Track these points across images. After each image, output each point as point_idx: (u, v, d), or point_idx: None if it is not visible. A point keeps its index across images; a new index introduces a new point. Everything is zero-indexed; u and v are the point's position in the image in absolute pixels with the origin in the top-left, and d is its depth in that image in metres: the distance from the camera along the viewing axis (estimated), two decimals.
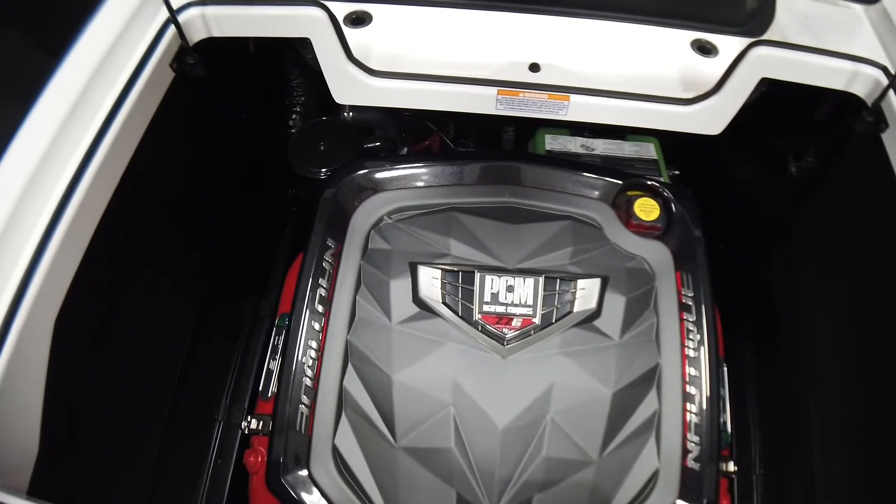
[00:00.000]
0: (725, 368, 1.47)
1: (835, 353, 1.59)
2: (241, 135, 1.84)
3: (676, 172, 1.85)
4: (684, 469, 1.28)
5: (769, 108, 1.64)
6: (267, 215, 2.13)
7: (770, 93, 1.51)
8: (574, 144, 1.74)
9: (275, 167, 1.88)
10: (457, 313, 1.36)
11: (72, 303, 1.11)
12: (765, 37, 1.49)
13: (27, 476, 1.05)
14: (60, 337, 1.08)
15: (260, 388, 1.45)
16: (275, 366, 1.41)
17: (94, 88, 1.21)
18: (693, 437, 1.30)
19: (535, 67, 1.46)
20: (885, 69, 1.39)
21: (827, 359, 1.62)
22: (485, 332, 1.35)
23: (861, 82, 1.41)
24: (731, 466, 1.32)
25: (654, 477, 1.29)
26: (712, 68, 1.48)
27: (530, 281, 1.38)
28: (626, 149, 1.75)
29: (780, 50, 1.38)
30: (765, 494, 1.83)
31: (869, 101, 1.41)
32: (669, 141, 1.84)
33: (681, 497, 1.26)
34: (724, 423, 1.41)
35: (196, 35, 1.39)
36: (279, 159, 1.77)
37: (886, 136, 1.37)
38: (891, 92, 1.36)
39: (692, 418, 1.32)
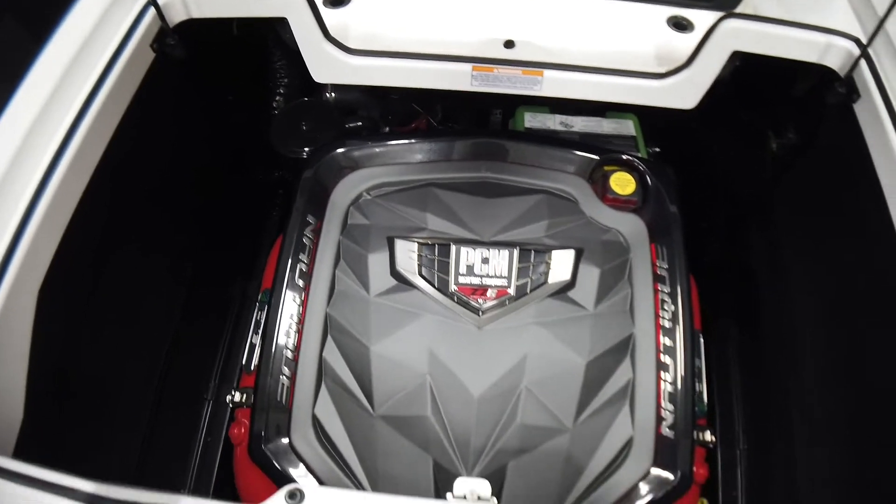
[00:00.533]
0: (702, 340, 1.49)
1: (814, 330, 1.61)
2: (224, 118, 1.86)
3: (657, 150, 1.87)
4: (658, 437, 1.30)
5: (748, 85, 1.65)
6: (253, 198, 2.15)
7: (747, 69, 1.52)
8: (553, 122, 1.76)
9: (259, 150, 1.91)
10: (433, 285, 1.39)
11: (55, 275, 1.14)
12: (738, 10, 1.50)
13: (12, 442, 1.08)
14: (44, 308, 1.11)
15: (243, 363, 1.47)
16: (257, 340, 1.44)
17: (77, 67, 1.23)
18: (667, 406, 1.32)
19: (509, 44, 1.48)
20: (857, 41, 1.40)
21: (807, 336, 1.63)
22: (460, 303, 1.37)
23: (833, 54, 1.43)
24: (708, 436, 1.33)
25: (628, 445, 1.31)
26: (687, 43, 1.50)
27: (505, 253, 1.40)
28: (604, 126, 1.77)
29: (751, 23, 1.39)
30: (748, 469, 1.85)
31: (842, 73, 1.43)
32: (651, 119, 1.86)
33: (655, 464, 1.28)
34: (700, 393, 1.43)
35: (176, 17, 1.42)
36: (263, 142, 1.80)
37: (858, 107, 1.39)
38: (862, 62, 1.37)
39: (666, 387, 1.33)
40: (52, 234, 1.15)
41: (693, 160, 1.99)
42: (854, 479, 1.37)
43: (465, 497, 1.10)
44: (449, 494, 1.11)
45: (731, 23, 1.39)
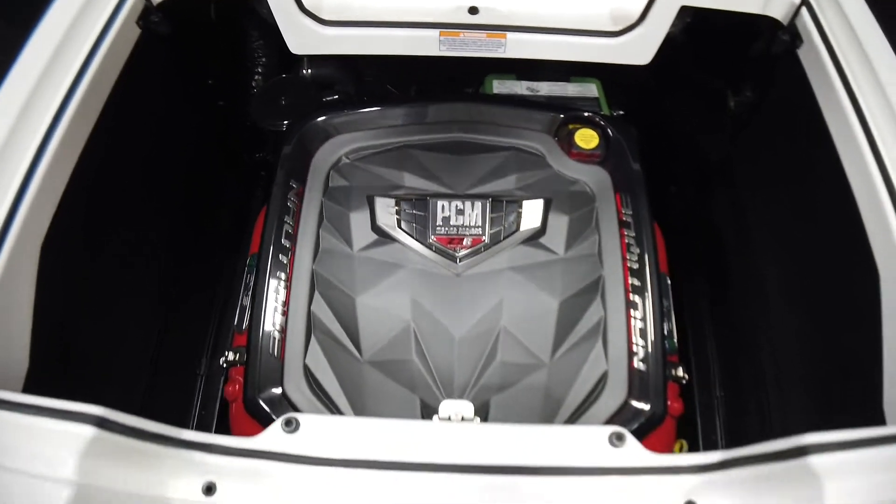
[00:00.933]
0: (669, 282, 1.58)
1: (777, 275, 1.69)
2: (207, 98, 1.93)
3: (621, 113, 1.97)
4: (632, 370, 1.37)
5: (703, 46, 1.75)
6: (238, 177, 2.22)
7: (701, 29, 1.61)
8: (520, 87, 1.86)
9: (241, 127, 1.98)
10: (412, 237, 1.47)
11: (56, 231, 1.21)
12: None
13: (19, 389, 1.15)
14: (46, 265, 1.18)
15: (235, 324, 1.54)
16: (247, 301, 1.51)
17: (69, 41, 1.30)
18: (638, 341, 1.39)
19: (473, 10, 1.57)
20: None
21: (770, 283, 1.72)
22: (438, 252, 1.46)
23: (776, 4, 1.51)
24: (681, 372, 1.41)
25: (603, 378, 1.38)
26: (640, 3, 1.59)
27: (478, 204, 1.49)
28: (569, 89, 1.86)
29: None
30: (726, 415, 1.94)
31: (784, 22, 1.52)
32: (615, 85, 1.95)
33: (630, 395, 1.35)
34: (671, 331, 1.52)
35: None
36: (244, 119, 1.86)
37: (802, 52, 1.48)
38: (803, 10, 1.46)
39: (636, 324, 1.41)
40: (51, 196, 1.22)
41: (658, 123, 2.08)
42: (820, 409, 1.46)
43: (449, 418, 1.18)
44: (435, 417, 1.19)
45: None
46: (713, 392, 1.97)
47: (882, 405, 1.12)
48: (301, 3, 1.53)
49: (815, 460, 0.89)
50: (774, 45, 1.54)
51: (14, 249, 1.08)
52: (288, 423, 1.07)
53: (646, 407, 1.33)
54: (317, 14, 1.54)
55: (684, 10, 1.54)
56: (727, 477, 0.98)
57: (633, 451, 1.05)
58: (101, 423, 0.91)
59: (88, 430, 0.89)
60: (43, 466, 0.87)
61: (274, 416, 1.33)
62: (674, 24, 1.55)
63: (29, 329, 1.16)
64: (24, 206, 1.11)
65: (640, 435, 1.25)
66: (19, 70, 1.23)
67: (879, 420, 1.12)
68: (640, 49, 1.56)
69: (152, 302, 1.78)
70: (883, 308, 1.15)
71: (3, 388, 0.97)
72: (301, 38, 1.56)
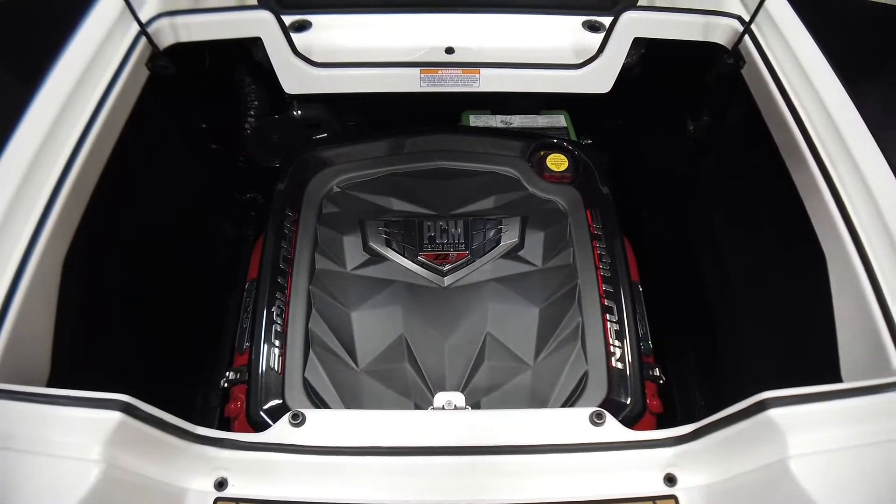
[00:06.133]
0: (640, 289, 1.70)
1: (745, 283, 1.81)
2: (203, 139, 2.06)
3: (589, 142, 2.13)
4: (610, 369, 1.46)
5: (661, 77, 1.91)
6: (230, 215, 2.33)
7: (657, 62, 1.78)
8: (495, 121, 2.02)
9: (234, 171, 2.10)
10: (402, 255, 1.59)
11: (76, 250, 1.31)
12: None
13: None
14: (66, 280, 1.28)
15: (235, 345, 1.62)
16: (247, 322, 1.60)
17: (84, 84, 1.42)
18: (615, 342, 1.49)
19: (450, 50, 1.74)
20: (739, 18, 1.66)
21: (737, 288, 1.83)
22: (426, 267, 1.58)
23: (720, 32, 1.69)
24: (657, 372, 1.52)
25: (584, 377, 1.47)
26: (599, 38, 1.76)
27: (461, 223, 1.63)
28: (540, 121, 2.03)
29: (646, 13, 1.67)
30: (705, 405, 2.01)
31: (729, 46, 1.69)
32: (584, 115, 2.10)
33: (609, 392, 1.44)
34: (645, 334, 1.62)
35: (166, 41, 1.63)
36: (238, 163, 1.98)
37: (745, 72, 1.64)
38: (746, 37, 1.63)
39: (612, 327, 1.52)
40: (71, 219, 1.32)
41: (625, 149, 2.24)
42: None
43: (443, 407, 1.28)
44: (430, 407, 1.29)
45: (630, 14, 1.66)
46: (693, 390, 2.03)
47: (840, 372, 1.23)
48: (294, 46, 1.68)
49: (775, 413, 0.98)
50: (721, 68, 1.70)
51: (40, 264, 1.18)
52: (295, 416, 1.16)
53: (626, 401, 1.43)
54: (308, 56, 1.69)
55: (638, 42, 1.71)
56: (701, 445, 1.08)
57: (613, 429, 1.15)
58: (128, 408, 1.00)
59: (115, 416, 0.97)
60: (74, 450, 0.95)
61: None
62: (629, 55, 1.72)
63: (51, 335, 1.24)
64: (48, 226, 1.22)
65: None
66: (38, 106, 1.35)
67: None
68: (600, 79, 1.73)
69: (153, 322, 1.83)
70: (832, 285, 1.28)
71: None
72: (294, 78, 1.71)
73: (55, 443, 0.96)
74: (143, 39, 1.55)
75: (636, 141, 2.30)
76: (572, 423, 1.16)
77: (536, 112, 2.07)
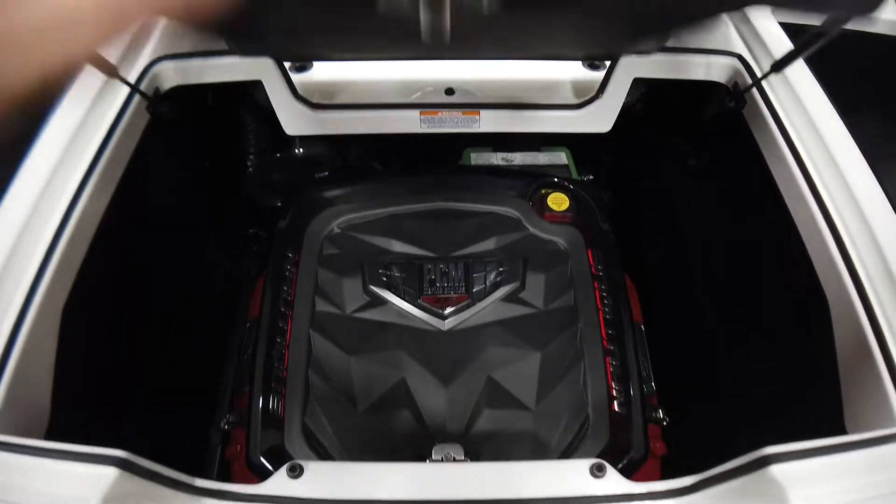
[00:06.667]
0: (643, 329, 1.69)
1: (747, 322, 1.80)
2: (205, 179, 2.07)
3: (591, 177, 2.13)
4: (612, 413, 1.46)
5: (661, 115, 1.92)
6: (232, 251, 2.33)
7: (658, 100, 1.79)
8: (496, 158, 2.02)
9: (235, 209, 2.11)
10: (402, 298, 1.59)
11: (75, 296, 1.30)
12: None
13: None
14: (66, 327, 1.27)
15: (234, 387, 1.62)
16: (247, 365, 1.59)
17: (86, 126, 1.43)
18: (618, 386, 1.49)
19: (449, 91, 1.75)
20: (740, 57, 1.66)
21: (741, 327, 1.83)
22: (426, 311, 1.57)
23: (720, 71, 1.68)
24: (661, 414, 1.49)
25: (586, 422, 1.46)
26: (599, 78, 1.77)
27: (462, 265, 1.62)
28: (540, 158, 2.04)
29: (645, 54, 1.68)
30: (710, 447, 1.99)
31: (729, 85, 1.69)
32: (584, 152, 2.12)
33: (612, 437, 1.43)
34: (647, 375, 1.61)
35: (167, 83, 1.64)
36: (239, 201, 1.99)
37: (746, 112, 1.64)
38: (745, 73, 1.62)
39: (615, 370, 1.51)
40: (71, 265, 1.32)
41: (626, 185, 2.24)
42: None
43: (441, 459, 1.26)
44: (428, 459, 1.27)
45: (630, 56, 1.67)
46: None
47: (844, 424, 1.22)
48: (295, 89, 1.69)
49: (777, 470, 0.97)
50: (721, 107, 1.70)
51: (39, 311, 1.18)
52: (292, 468, 1.14)
53: (628, 447, 1.41)
54: (309, 99, 1.71)
55: (638, 82, 1.71)
56: (702, 498, 1.07)
57: (614, 481, 1.14)
58: (124, 464, 0.98)
59: (112, 472, 0.96)
60: None
61: (274, 472, 1.40)
62: (629, 95, 1.73)
63: (51, 384, 1.24)
64: (48, 273, 1.22)
65: (625, 475, 1.33)
66: (38, 152, 1.35)
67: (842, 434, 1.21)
68: (600, 119, 1.73)
69: (154, 366, 1.84)
70: (835, 332, 1.27)
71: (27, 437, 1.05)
72: (294, 120, 1.72)
73: (52, 496, 0.95)
74: (146, 80, 1.56)
75: (638, 177, 2.30)
76: (572, 475, 1.14)
77: (537, 149, 2.07)
